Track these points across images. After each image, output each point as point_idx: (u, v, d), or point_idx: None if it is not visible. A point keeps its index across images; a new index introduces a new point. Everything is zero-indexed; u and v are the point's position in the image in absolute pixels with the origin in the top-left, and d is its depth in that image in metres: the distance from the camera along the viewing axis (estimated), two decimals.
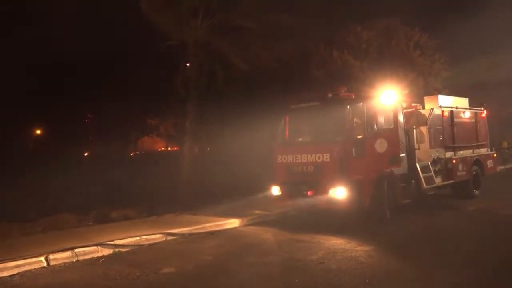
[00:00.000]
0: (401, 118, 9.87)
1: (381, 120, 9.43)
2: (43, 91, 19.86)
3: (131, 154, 31.09)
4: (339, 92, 9.35)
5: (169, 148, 30.11)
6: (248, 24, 12.46)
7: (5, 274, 5.92)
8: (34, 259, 6.32)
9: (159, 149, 31.00)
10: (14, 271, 6.02)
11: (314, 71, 15.23)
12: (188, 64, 12.94)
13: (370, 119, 9.16)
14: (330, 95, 9.36)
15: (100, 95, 21.48)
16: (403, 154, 9.82)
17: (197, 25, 12.64)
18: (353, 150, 8.74)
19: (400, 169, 9.64)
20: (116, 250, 7.23)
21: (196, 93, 13.10)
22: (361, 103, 9.15)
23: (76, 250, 6.83)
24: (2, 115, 18.20)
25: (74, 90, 20.57)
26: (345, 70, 14.61)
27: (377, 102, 9.33)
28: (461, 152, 11.85)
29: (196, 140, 14.34)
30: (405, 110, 10.33)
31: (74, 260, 6.68)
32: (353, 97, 9.31)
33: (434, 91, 16.91)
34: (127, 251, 7.29)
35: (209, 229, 8.84)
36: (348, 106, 8.92)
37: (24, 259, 6.23)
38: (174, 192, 12.92)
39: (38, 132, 29.12)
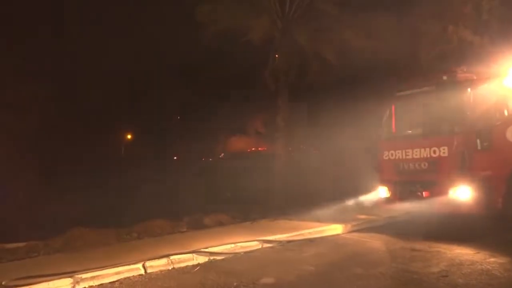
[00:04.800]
0: None
1: None
2: (131, 95, 21.65)
3: (220, 155, 32.31)
4: (457, 73, 8.78)
5: (259, 148, 30.73)
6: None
7: (106, 281, 6.46)
8: (132, 266, 6.80)
9: (249, 150, 31.78)
10: (114, 278, 6.53)
11: (424, 51, 14.36)
12: (276, 56, 13.05)
13: (498, 103, 8.51)
14: (445, 77, 8.86)
15: (186, 95, 22.76)
16: None
17: (284, 12, 12.69)
18: (478, 141, 8.18)
19: None
20: (211, 258, 7.50)
21: (286, 86, 13.16)
22: (486, 85, 8.48)
23: (172, 257, 7.21)
24: (98, 121, 20.22)
25: (160, 92, 22.09)
26: (462, 48, 13.56)
27: (506, 82, 8.54)
28: None
29: (288, 138, 14.40)
30: None
31: (170, 268, 7.06)
32: (474, 78, 8.64)
33: None
34: (222, 259, 7.53)
35: (308, 236, 8.81)
36: (469, 89, 8.35)
37: (122, 266, 6.73)
38: (267, 196, 13.13)
39: (129, 136, 31.76)
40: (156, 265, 6.99)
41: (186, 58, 20.64)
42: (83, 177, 17.14)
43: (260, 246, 8.20)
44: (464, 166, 8.10)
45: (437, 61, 13.59)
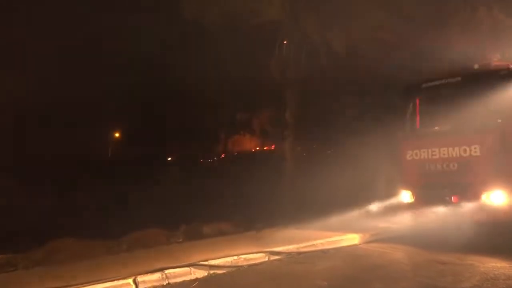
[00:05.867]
0: None
1: None
2: (119, 91, 21.67)
3: (221, 156, 32.40)
4: (490, 62, 8.79)
5: (265, 148, 30.79)
6: None
7: None
8: (121, 282, 6.75)
9: (253, 150, 31.88)
10: None
11: (451, 36, 14.25)
12: (284, 42, 13.02)
13: None
14: (476, 66, 8.84)
15: (179, 88, 22.70)
16: None
17: None
18: None
19: None
20: (211, 271, 7.46)
21: (295, 77, 13.12)
22: None
23: (166, 271, 7.16)
24: (80, 118, 20.26)
25: (149, 86, 22.09)
26: (496, 32, 13.45)
27: None
28: None
29: (298, 135, 14.36)
30: None
31: (165, 284, 7.02)
32: (511, 66, 8.56)
33: None
34: (223, 273, 7.50)
35: (321, 247, 8.79)
36: (504, 80, 8.29)
37: (111, 281, 6.69)
38: (274, 201, 13.08)
39: (117, 135, 31.83)
40: (149, 280, 6.94)
41: (183, 47, 20.62)
42: (67, 180, 17.17)
43: (266, 259, 8.17)
44: (498, 167, 8.08)
45: (467, 48, 13.49)
